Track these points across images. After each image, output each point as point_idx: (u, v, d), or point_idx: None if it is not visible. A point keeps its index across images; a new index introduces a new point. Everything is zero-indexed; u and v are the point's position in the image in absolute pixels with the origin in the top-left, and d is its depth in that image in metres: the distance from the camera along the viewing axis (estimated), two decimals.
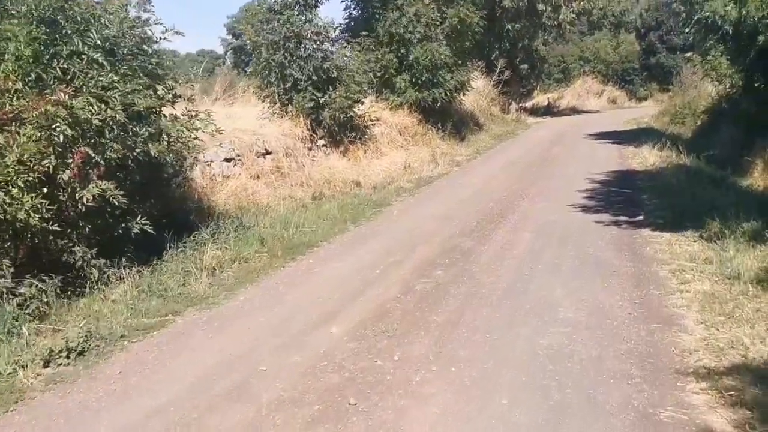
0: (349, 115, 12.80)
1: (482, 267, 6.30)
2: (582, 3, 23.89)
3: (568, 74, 35.93)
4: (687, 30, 14.38)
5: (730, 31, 12.53)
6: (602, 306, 5.15)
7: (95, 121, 5.51)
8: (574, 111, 30.00)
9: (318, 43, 12.40)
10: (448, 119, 17.14)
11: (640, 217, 8.20)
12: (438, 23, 15.97)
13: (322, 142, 12.82)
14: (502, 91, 23.19)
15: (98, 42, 5.96)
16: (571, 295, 5.40)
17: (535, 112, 27.80)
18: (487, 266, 6.33)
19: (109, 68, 5.93)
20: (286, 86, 12.14)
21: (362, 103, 13.45)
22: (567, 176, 11.68)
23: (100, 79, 5.78)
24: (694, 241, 6.91)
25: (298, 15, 12.01)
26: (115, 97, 5.83)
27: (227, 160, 10.25)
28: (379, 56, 15.28)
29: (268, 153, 11.13)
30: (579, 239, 7.26)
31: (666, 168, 11.81)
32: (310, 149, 12.46)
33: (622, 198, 9.62)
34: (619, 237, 7.33)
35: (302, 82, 12.10)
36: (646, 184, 10.58)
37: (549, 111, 28.89)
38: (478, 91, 21.05)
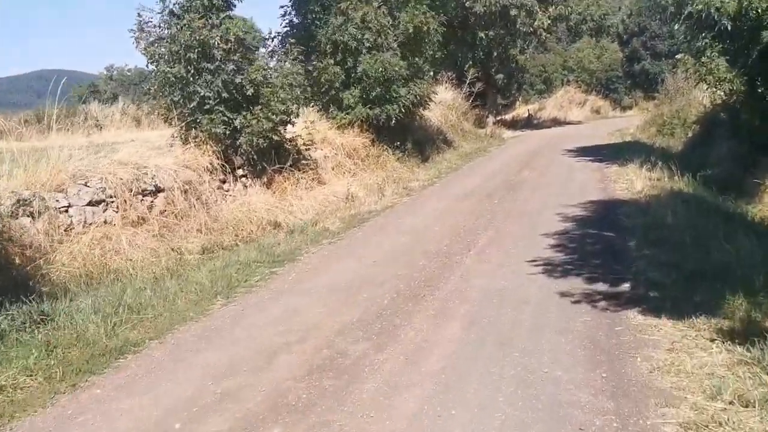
0: (273, 139, 10.04)
1: (354, 418, 3.48)
2: (558, 8, 21.02)
3: (550, 84, 33.11)
4: (676, 27, 11.69)
5: (729, 27, 9.87)
6: None
7: None
8: (555, 122, 27.11)
9: (231, 53, 9.59)
10: (407, 138, 14.37)
11: (626, 286, 5.35)
12: (390, 30, 13.18)
13: (241, 172, 10.05)
14: (475, 104, 20.36)
15: None
16: None
17: (514, 124, 24.94)
18: (364, 415, 3.50)
19: None
20: (192, 106, 9.37)
21: (292, 124, 10.67)
22: (533, 211, 8.82)
23: None
24: (712, 341, 4.12)
25: (200, 19, 9.22)
26: None
27: (93, 203, 7.50)
28: (322, 68, 12.55)
29: (159, 191, 8.39)
30: (531, 338, 4.42)
31: (658, 196, 8.95)
32: (223, 182, 9.69)
33: (602, 247, 6.74)
34: (595, 330, 4.49)
35: (210, 101, 9.35)
36: (634, 221, 7.69)
37: (529, 123, 26.02)
38: (447, 105, 18.28)
